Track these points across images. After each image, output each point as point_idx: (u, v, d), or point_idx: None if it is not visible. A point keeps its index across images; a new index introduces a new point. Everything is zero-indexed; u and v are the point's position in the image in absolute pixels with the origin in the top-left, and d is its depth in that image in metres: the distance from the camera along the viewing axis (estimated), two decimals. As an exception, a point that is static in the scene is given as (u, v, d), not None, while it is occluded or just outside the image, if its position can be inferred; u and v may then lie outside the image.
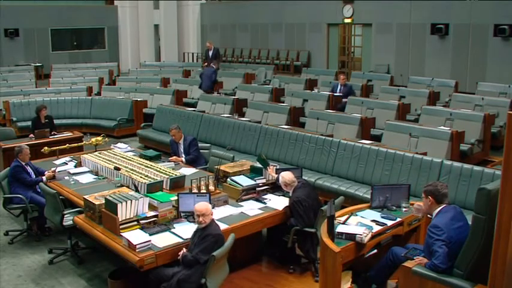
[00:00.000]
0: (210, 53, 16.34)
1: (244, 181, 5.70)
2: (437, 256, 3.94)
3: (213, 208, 5.17)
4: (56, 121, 9.90)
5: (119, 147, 7.56)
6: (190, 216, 5.00)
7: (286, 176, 5.43)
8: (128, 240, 4.42)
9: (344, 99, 11.15)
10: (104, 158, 6.72)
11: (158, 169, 6.09)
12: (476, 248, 3.76)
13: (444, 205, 4.22)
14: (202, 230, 4.48)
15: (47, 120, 9.47)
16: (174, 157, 7.27)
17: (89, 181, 6.25)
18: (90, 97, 12.61)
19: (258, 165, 6.05)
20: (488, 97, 10.40)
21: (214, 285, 4.36)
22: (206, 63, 16.54)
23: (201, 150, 7.52)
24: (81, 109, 12.01)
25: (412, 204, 5.10)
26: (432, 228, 4.07)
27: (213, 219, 4.57)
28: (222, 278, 4.56)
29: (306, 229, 5.09)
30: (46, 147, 7.52)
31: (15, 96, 12.44)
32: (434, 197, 4.22)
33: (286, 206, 5.37)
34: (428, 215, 4.41)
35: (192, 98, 13.25)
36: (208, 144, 8.22)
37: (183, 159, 7.20)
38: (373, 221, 4.80)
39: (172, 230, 4.77)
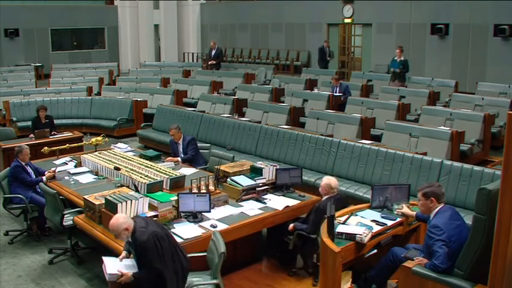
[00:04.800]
0: (213, 52, 16.42)
1: (244, 181, 5.70)
2: (437, 256, 3.94)
3: (213, 208, 5.19)
4: (56, 121, 9.89)
5: (119, 147, 7.56)
6: (190, 216, 5.00)
7: (333, 181, 5.19)
8: None
9: (343, 96, 11.34)
10: (104, 158, 6.72)
11: (158, 169, 6.09)
12: (477, 248, 3.76)
13: (443, 204, 4.24)
14: (133, 242, 4.06)
15: (47, 120, 9.47)
16: (169, 158, 7.26)
17: (89, 181, 6.25)
18: (90, 97, 12.61)
19: (258, 165, 6.05)
20: (488, 97, 10.40)
21: (222, 283, 4.28)
22: (205, 63, 16.65)
23: (201, 150, 7.52)
24: (81, 109, 12.01)
25: (413, 205, 5.11)
26: (432, 228, 4.07)
27: (135, 224, 4.06)
28: None
29: (311, 235, 5.00)
30: (46, 147, 7.52)
31: (15, 96, 12.44)
32: (436, 197, 4.22)
33: (286, 206, 5.37)
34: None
35: (192, 98, 13.24)
36: (208, 144, 8.22)
37: (179, 159, 7.19)
38: (373, 221, 4.80)
39: (172, 230, 4.75)
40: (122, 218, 4.07)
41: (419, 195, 4.32)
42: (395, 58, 12.73)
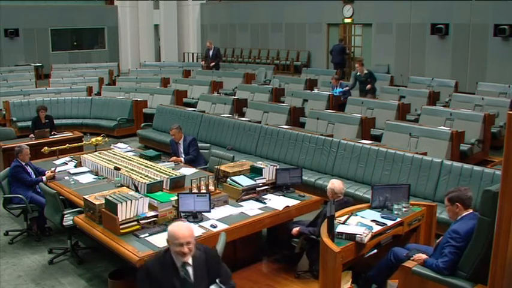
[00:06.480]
0: (211, 52, 16.41)
1: (244, 181, 5.69)
2: (445, 260, 3.93)
3: (213, 208, 5.19)
4: (56, 121, 9.91)
5: (119, 147, 7.56)
6: (190, 216, 5.00)
7: (337, 185, 5.14)
8: None
9: (343, 97, 11.35)
10: (104, 158, 6.72)
11: (158, 169, 6.09)
12: (481, 250, 3.75)
13: (471, 211, 4.05)
14: (202, 256, 3.42)
15: (47, 120, 9.48)
16: (174, 157, 7.27)
17: (89, 181, 6.25)
18: (90, 97, 12.62)
19: (258, 165, 6.05)
20: (488, 97, 10.40)
21: None
22: (206, 63, 16.62)
23: (201, 150, 7.52)
24: (81, 109, 12.02)
25: (413, 205, 5.11)
26: (452, 232, 3.97)
27: None
28: None
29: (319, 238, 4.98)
30: (46, 147, 7.52)
31: (15, 96, 12.45)
32: (462, 202, 4.06)
33: (286, 206, 5.36)
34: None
35: (192, 98, 13.24)
36: (208, 144, 8.22)
37: (182, 159, 7.21)
38: (373, 221, 4.79)
39: (173, 230, 4.76)
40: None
41: (446, 201, 4.16)
42: (358, 74, 11.44)
